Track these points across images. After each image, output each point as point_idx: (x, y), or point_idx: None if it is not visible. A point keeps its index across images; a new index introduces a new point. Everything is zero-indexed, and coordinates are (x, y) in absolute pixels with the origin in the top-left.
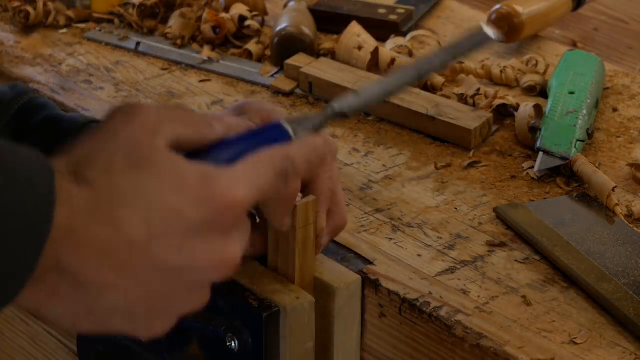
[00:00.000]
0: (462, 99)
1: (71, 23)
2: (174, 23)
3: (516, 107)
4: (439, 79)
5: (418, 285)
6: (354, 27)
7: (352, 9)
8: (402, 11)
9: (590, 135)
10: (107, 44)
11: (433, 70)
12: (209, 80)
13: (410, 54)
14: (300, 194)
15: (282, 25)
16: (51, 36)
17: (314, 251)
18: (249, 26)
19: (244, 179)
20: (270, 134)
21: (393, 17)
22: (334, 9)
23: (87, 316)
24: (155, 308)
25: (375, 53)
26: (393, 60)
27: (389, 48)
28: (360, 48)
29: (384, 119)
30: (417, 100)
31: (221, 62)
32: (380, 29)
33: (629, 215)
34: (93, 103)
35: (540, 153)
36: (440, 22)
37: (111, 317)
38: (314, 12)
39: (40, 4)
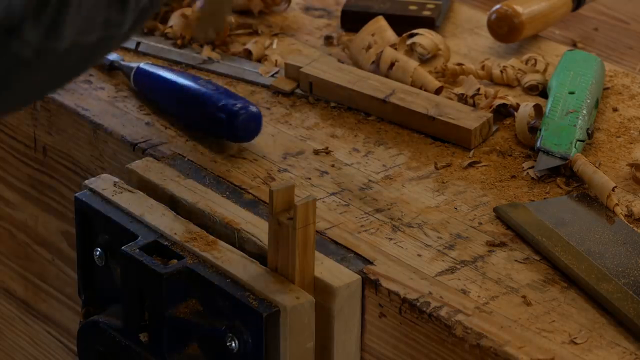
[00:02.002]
0: (462, 99)
1: None
2: (174, 23)
3: (516, 107)
4: (435, 84)
5: (418, 285)
6: (372, 25)
7: (382, 7)
8: (432, 6)
9: (590, 135)
10: None
11: None
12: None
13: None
14: (300, 195)
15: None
16: None
17: (313, 251)
18: (250, 25)
19: None
20: None
21: (427, 13)
22: (365, 9)
23: None
24: None
25: (379, 54)
26: (392, 64)
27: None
28: (369, 48)
29: (384, 119)
30: (417, 100)
31: (221, 62)
32: (416, 25)
33: (629, 215)
34: (93, 103)
35: (540, 153)
36: None
37: None
38: (345, 12)
39: None
